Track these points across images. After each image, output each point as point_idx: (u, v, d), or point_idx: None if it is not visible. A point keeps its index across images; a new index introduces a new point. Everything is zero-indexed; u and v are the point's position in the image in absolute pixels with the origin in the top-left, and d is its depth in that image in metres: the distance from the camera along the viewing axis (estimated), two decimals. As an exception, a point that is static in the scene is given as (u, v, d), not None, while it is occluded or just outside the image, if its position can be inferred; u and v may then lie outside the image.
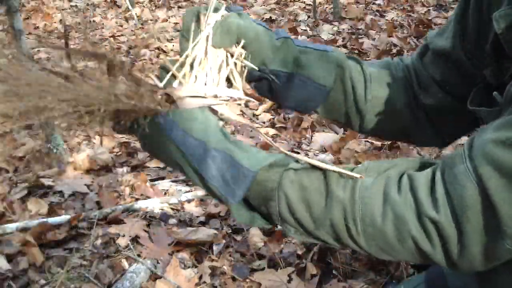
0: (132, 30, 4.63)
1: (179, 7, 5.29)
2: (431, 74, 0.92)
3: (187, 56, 0.74)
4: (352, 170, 0.70)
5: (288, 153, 0.73)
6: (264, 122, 2.71)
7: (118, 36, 4.41)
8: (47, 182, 2.03)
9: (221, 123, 0.76)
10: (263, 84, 0.87)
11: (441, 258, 0.66)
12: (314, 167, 0.70)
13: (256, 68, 0.83)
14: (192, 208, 1.93)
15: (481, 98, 0.81)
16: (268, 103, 2.80)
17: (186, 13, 0.78)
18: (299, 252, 1.65)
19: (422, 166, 0.71)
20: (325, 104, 0.93)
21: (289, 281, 1.54)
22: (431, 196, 0.64)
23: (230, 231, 1.79)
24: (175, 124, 0.69)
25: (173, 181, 2.15)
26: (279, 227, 0.73)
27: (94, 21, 4.71)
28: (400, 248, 0.66)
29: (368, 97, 0.93)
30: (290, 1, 5.49)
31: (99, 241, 1.73)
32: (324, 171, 0.70)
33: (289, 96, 0.89)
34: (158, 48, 3.90)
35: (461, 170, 0.63)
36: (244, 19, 0.80)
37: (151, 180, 2.14)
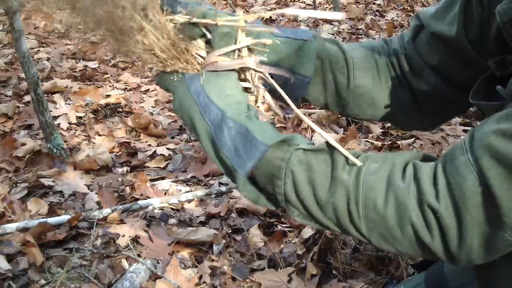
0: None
1: (179, 7, 5.29)
2: (425, 59, 0.91)
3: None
4: (358, 156, 0.71)
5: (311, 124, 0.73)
6: (264, 122, 2.71)
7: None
8: (47, 182, 2.03)
9: (250, 98, 0.77)
10: None
11: (440, 250, 0.66)
12: (323, 149, 0.71)
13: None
14: (192, 208, 1.93)
15: (485, 90, 0.81)
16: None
17: None
18: (299, 252, 1.65)
19: (425, 159, 0.71)
20: (305, 94, 0.93)
21: (289, 281, 1.54)
22: (433, 186, 0.64)
23: (230, 231, 1.79)
24: (203, 90, 0.71)
25: (173, 181, 2.15)
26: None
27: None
28: (399, 236, 0.66)
29: (351, 86, 0.93)
30: (290, 1, 5.49)
31: (99, 241, 1.73)
32: (332, 155, 0.70)
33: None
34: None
35: (462, 162, 0.64)
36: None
37: (151, 180, 2.14)
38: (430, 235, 0.65)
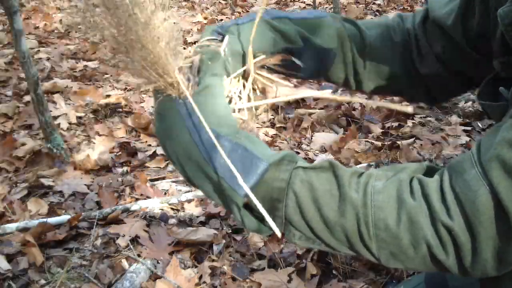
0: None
1: (179, 7, 5.29)
2: (430, 43, 0.94)
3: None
4: (360, 174, 0.69)
5: None
6: (264, 122, 2.71)
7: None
8: (47, 182, 2.03)
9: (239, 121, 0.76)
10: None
11: (454, 265, 0.65)
12: (323, 167, 0.68)
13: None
14: (192, 208, 1.93)
15: (490, 91, 0.81)
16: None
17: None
18: (299, 252, 1.65)
19: (428, 171, 0.70)
20: (329, 69, 0.95)
21: (289, 281, 1.54)
22: (443, 203, 0.63)
23: (230, 231, 1.79)
24: (193, 112, 0.66)
25: (173, 181, 2.15)
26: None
27: (94, 21, 4.71)
28: (412, 254, 0.65)
29: (367, 63, 0.95)
30: (290, 1, 5.49)
31: (99, 241, 1.73)
32: (334, 172, 0.68)
33: (303, 68, 0.90)
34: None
35: (473, 176, 0.63)
36: (242, 32, 0.80)
37: (151, 180, 2.14)
38: (445, 252, 0.64)
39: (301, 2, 5.47)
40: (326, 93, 0.80)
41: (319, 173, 0.67)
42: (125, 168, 2.22)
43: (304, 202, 0.66)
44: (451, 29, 0.88)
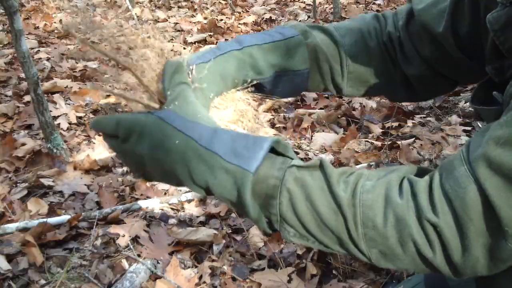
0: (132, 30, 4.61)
1: (179, 7, 5.29)
2: (417, 48, 0.94)
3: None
4: (351, 173, 0.70)
5: None
6: (264, 122, 2.71)
7: (118, 36, 4.38)
8: (47, 182, 2.03)
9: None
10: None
11: (443, 264, 0.65)
12: (315, 165, 0.70)
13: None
14: (192, 208, 1.93)
15: (484, 95, 0.81)
16: (268, 103, 2.80)
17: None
18: (299, 252, 1.65)
19: (420, 173, 0.71)
20: (306, 85, 0.97)
21: (289, 281, 1.55)
22: (430, 201, 0.64)
23: (230, 231, 1.79)
24: (181, 117, 0.68)
25: (173, 181, 2.15)
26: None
27: (94, 21, 4.71)
28: (401, 253, 0.66)
29: (344, 72, 0.97)
30: (290, 1, 5.49)
31: (99, 241, 1.73)
32: (324, 170, 0.69)
33: (277, 91, 0.94)
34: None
35: (462, 173, 0.63)
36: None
37: (151, 180, 2.14)
38: (432, 250, 0.64)
39: (301, 2, 5.47)
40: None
41: (311, 172, 0.69)
42: (125, 168, 2.22)
43: (297, 199, 0.67)
44: (441, 36, 0.88)
